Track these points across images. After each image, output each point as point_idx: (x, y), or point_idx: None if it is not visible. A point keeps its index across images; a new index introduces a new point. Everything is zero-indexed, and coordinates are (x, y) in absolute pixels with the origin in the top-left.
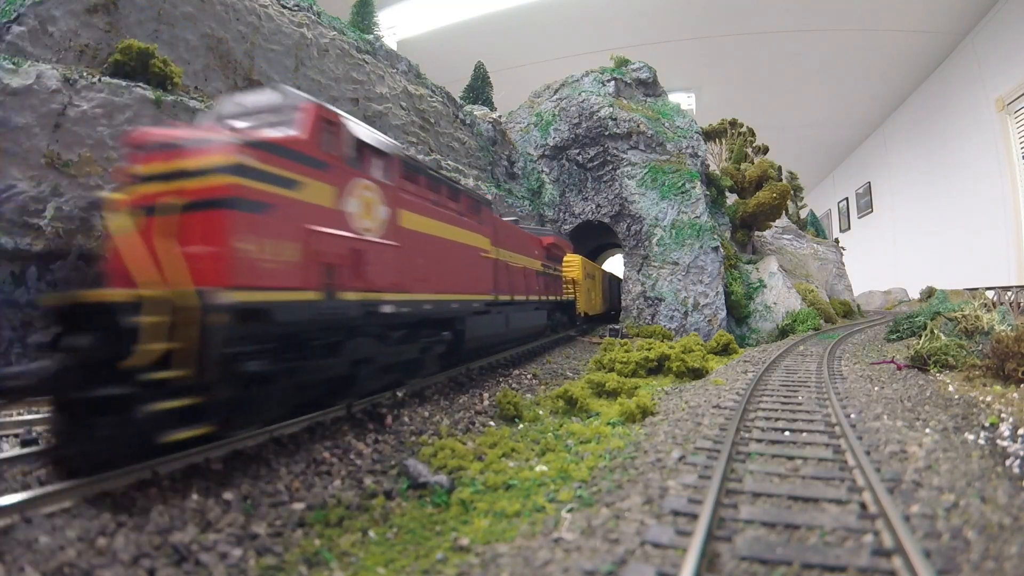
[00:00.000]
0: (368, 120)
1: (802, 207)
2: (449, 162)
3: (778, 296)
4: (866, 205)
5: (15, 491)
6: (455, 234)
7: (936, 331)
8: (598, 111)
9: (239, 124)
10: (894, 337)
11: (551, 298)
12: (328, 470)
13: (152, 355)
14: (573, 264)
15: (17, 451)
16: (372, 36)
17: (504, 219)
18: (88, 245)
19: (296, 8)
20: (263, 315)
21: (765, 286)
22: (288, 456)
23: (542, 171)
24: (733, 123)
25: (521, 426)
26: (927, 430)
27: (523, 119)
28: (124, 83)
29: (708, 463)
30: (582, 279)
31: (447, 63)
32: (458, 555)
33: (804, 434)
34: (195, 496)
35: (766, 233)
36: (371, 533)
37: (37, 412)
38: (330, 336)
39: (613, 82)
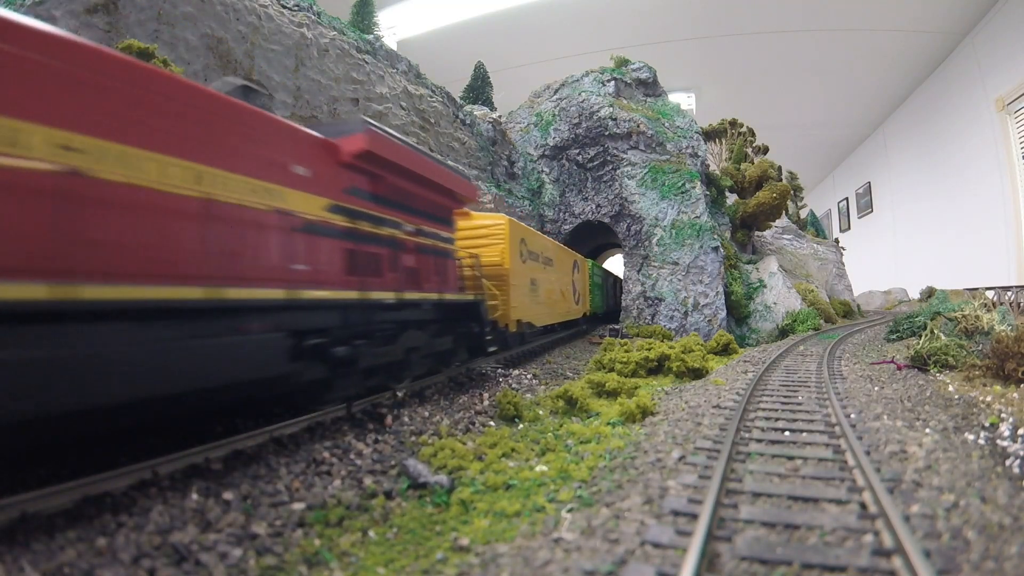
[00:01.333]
0: None
1: (802, 207)
2: (449, 162)
3: (778, 296)
4: (866, 205)
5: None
6: None
7: (936, 331)
8: (598, 111)
9: None
10: (894, 337)
11: (361, 296)
12: (328, 470)
13: None
14: (492, 231)
15: None
16: (372, 36)
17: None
18: None
19: (296, 8)
20: None
21: (765, 286)
22: (288, 456)
23: (542, 171)
24: (733, 123)
25: (521, 426)
26: (927, 430)
27: (523, 119)
28: None
29: (708, 463)
30: (512, 263)
31: (447, 63)
32: (458, 555)
33: (804, 434)
34: (195, 496)
35: (766, 233)
36: (371, 533)
37: None
38: None
39: (613, 82)
